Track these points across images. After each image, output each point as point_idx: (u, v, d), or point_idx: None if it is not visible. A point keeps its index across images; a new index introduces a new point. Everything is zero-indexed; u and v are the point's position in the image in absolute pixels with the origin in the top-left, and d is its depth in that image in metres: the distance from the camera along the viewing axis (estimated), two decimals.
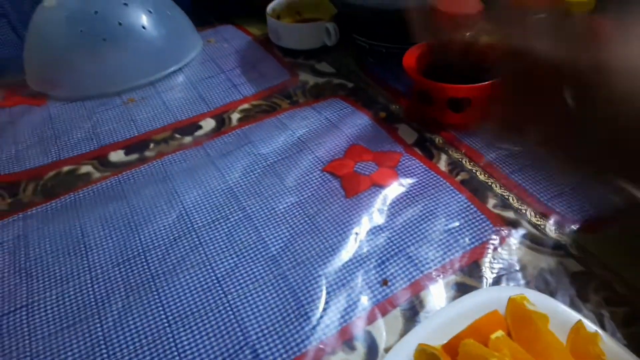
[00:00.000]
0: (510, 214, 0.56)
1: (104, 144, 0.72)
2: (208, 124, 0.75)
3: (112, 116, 0.78)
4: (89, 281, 0.52)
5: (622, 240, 0.51)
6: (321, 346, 0.44)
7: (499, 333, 0.39)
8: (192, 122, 0.76)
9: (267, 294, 0.49)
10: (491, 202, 0.57)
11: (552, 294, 0.46)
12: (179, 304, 0.49)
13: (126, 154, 0.70)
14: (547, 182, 0.59)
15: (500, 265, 0.50)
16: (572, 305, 0.45)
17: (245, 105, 0.78)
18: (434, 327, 0.43)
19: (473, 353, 0.37)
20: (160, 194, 0.62)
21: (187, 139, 0.72)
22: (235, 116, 0.76)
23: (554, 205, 0.56)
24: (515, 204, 0.57)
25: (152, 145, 0.72)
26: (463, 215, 0.56)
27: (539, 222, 0.54)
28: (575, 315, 0.42)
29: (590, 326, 0.40)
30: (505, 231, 0.53)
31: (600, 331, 0.40)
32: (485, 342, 0.39)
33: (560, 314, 0.42)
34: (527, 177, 0.60)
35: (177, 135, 0.73)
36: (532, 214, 0.55)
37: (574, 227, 0.53)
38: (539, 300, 0.43)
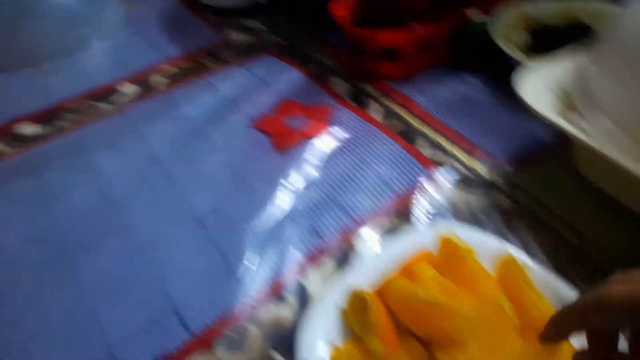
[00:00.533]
0: (442, 157, 0.55)
1: (13, 117, 0.66)
2: (130, 89, 0.70)
3: (22, 87, 0.72)
4: None
5: (549, 175, 0.52)
6: (251, 302, 0.43)
7: (429, 272, 0.38)
8: (112, 88, 0.71)
9: (193, 257, 0.47)
10: (424, 147, 0.56)
11: (483, 229, 0.46)
12: (98, 277, 0.46)
13: (39, 126, 0.65)
14: (478, 124, 0.59)
15: (432, 206, 0.49)
16: (502, 238, 0.44)
17: (171, 68, 0.74)
18: (364, 271, 0.42)
19: (403, 290, 0.36)
20: (77, 165, 0.58)
21: (107, 107, 0.67)
22: (159, 80, 0.72)
23: (484, 146, 0.56)
24: (447, 147, 0.56)
25: (67, 115, 0.66)
26: (396, 161, 0.55)
27: (469, 163, 0.54)
28: (502, 246, 0.41)
29: (518, 257, 0.40)
30: (437, 173, 0.53)
31: (527, 260, 0.40)
32: (416, 281, 0.38)
33: (489, 246, 0.42)
34: (459, 121, 0.59)
35: (95, 103, 0.68)
36: (463, 155, 0.55)
37: (504, 165, 0.53)
38: (468, 235, 0.42)
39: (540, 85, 0.48)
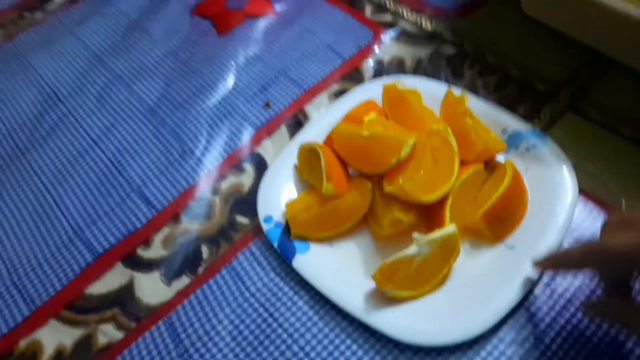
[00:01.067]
0: (387, 17, 0.54)
1: None
2: None
3: None
4: None
5: (493, 18, 0.51)
6: (210, 175, 0.44)
7: (372, 115, 0.39)
8: None
9: (148, 142, 0.47)
10: (368, 10, 0.55)
11: (430, 77, 0.46)
12: (55, 171, 0.46)
13: None
14: None
15: (379, 65, 0.49)
16: (449, 84, 0.45)
17: None
18: (315, 130, 0.43)
19: (345, 133, 0.37)
20: (15, 72, 0.56)
21: (38, 15, 0.64)
22: None
23: (428, 0, 0.54)
24: (391, 6, 0.55)
25: None
26: (341, 27, 0.54)
27: (414, 19, 0.53)
28: (446, 87, 0.42)
29: (458, 90, 0.41)
30: (383, 33, 0.52)
31: (467, 93, 0.41)
32: (360, 124, 0.39)
33: (434, 90, 0.43)
34: None
35: (26, 14, 0.64)
36: (408, 12, 0.54)
37: (450, 15, 0.52)
38: (414, 82, 0.43)
39: None
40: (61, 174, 0.46)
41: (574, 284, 0.33)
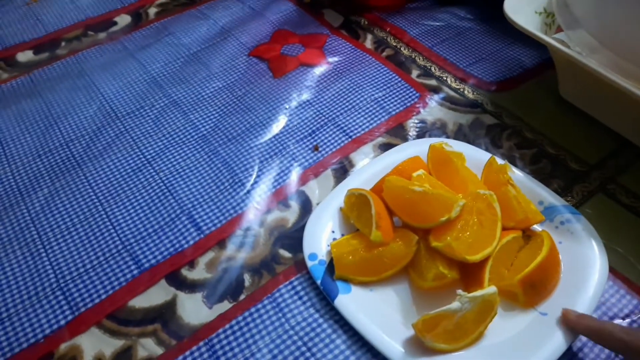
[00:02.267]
0: (432, 82, 0.58)
1: (9, 46, 0.67)
2: (123, 19, 0.70)
3: (15, 18, 0.71)
4: (9, 173, 0.50)
5: (530, 96, 0.55)
6: (257, 206, 0.46)
7: (420, 171, 0.42)
8: (106, 18, 0.71)
9: (200, 168, 0.49)
10: (415, 73, 0.59)
11: (470, 143, 0.49)
12: (108, 185, 0.48)
13: (35, 53, 0.65)
14: (466, 51, 0.61)
15: (423, 125, 0.53)
16: (488, 151, 0.48)
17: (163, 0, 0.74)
18: (362, 178, 0.45)
19: (397, 185, 0.40)
20: (78, 87, 0.59)
21: (102, 35, 0.68)
22: (152, 10, 0.72)
23: (471, 70, 0.59)
24: (437, 73, 0.59)
25: (63, 43, 0.67)
26: (388, 85, 0.57)
27: (458, 86, 0.57)
28: (488, 155, 0.45)
29: (500, 159, 0.44)
30: (428, 96, 0.56)
31: (510, 165, 0.44)
32: (408, 178, 0.42)
33: (476, 155, 0.46)
34: (448, 49, 0.62)
35: (90, 32, 0.68)
36: (452, 79, 0.58)
37: (490, 88, 0.56)
38: (457, 146, 0.46)
39: (526, 8, 0.51)
40: (114, 188, 0.48)
41: (600, 356, 0.35)
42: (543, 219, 0.40)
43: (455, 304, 0.34)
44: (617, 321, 0.37)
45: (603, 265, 0.38)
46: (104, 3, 0.73)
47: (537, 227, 0.41)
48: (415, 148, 0.47)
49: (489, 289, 0.34)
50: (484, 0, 0.63)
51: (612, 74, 0.42)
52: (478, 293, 0.34)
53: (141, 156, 0.51)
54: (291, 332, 0.37)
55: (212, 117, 0.55)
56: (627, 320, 0.37)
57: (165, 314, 0.39)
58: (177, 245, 0.43)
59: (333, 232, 0.42)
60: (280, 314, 0.38)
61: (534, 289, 0.37)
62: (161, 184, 0.48)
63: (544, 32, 0.51)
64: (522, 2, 0.51)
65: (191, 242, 0.43)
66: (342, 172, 0.49)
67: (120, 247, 0.43)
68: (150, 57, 0.63)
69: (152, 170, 0.49)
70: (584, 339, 0.36)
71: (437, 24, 0.66)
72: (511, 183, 0.42)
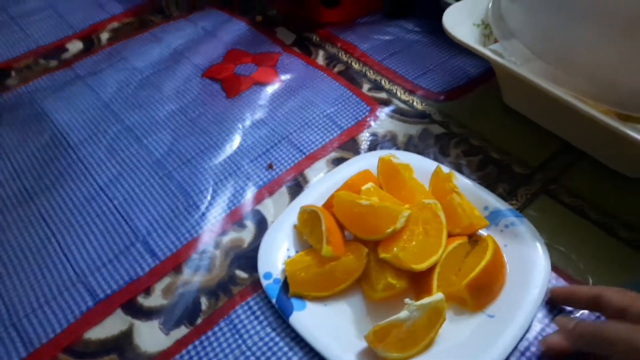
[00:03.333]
0: (382, 95, 0.59)
1: None
2: (75, 46, 0.70)
3: None
4: None
5: (476, 104, 0.57)
6: (212, 229, 0.46)
7: (369, 184, 0.43)
8: (57, 45, 0.70)
9: (155, 193, 0.49)
10: (365, 87, 0.61)
11: (419, 154, 0.51)
12: (61, 216, 0.48)
13: None
14: (414, 64, 0.63)
15: (374, 138, 0.54)
16: (436, 160, 0.50)
17: (115, 24, 0.74)
18: (314, 194, 0.46)
19: (345, 200, 0.41)
20: (28, 118, 0.58)
21: (53, 63, 0.67)
22: (104, 35, 0.72)
23: (420, 82, 0.61)
24: (387, 86, 0.61)
25: (13, 73, 0.66)
26: (340, 100, 0.59)
27: (407, 98, 0.59)
28: (435, 164, 0.47)
29: (446, 168, 0.46)
30: (378, 109, 0.57)
31: (457, 174, 0.45)
32: (357, 193, 0.43)
33: (424, 165, 0.47)
34: (397, 62, 0.64)
35: (42, 60, 0.68)
36: (402, 91, 0.60)
37: (437, 98, 0.58)
38: (405, 157, 0.47)
39: (465, 21, 0.53)
40: (67, 219, 0.47)
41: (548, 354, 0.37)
42: (487, 224, 0.42)
43: (403, 313, 0.35)
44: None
45: (546, 265, 0.40)
46: (54, 30, 0.73)
47: (483, 232, 0.43)
48: (366, 161, 0.48)
49: (436, 296, 0.36)
50: (430, 13, 0.65)
51: (545, 82, 0.44)
52: (425, 301, 0.35)
53: (95, 184, 0.51)
54: (248, 353, 0.38)
55: (166, 140, 0.55)
56: (572, 315, 0.39)
57: (121, 344, 0.39)
58: (133, 273, 0.43)
59: (288, 249, 0.43)
60: (237, 335, 0.39)
61: (480, 293, 0.38)
62: (115, 212, 0.48)
63: (483, 44, 0.53)
64: (462, 15, 0.54)
65: (146, 269, 0.43)
66: (297, 188, 0.49)
67: (74, 278, 0.43)
68: (103, 83, 0.63)
69: (105, 199, 0.49)
70: (530, 337, 0.37)
71: (387, 37, 0.68)
72: (456, 191, 0.43)
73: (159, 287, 0.42)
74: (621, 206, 0.46)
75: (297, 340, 0.38)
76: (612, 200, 0.46)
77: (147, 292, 0.42)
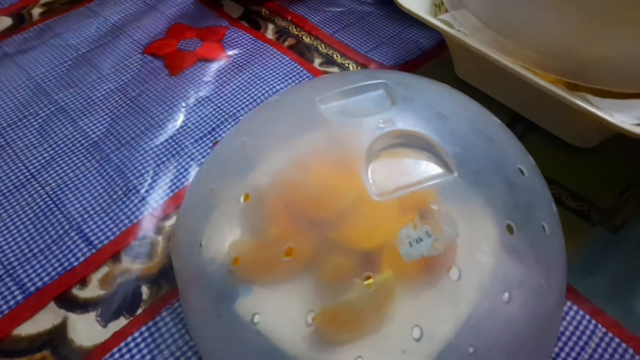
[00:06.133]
0: (334, 69, 0.57)
1: None
2: (3, 22, 0.65)
3: None
4: None
5: (429, 77, 0.56)
6: (153, 214, 0.43)
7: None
8: None
9: (91, 178, 0.46)
10: (317, 62, 0.58)
11: None
12: None
13: None
14: (367, 36, 0.61)
15: None
16: None
17: None
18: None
19: (296, 179, 0.39)
20: None
21: None
22: (36, 11, 0.66)
23: (372, 56, 0.59)
24: (339, 60, 0.59)
25: None
26: (290, 76, 0.56)
27: None
28: None
29: None
30: None
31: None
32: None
33: None
34: (349, 35, 0.62)
35: None
36: (354, 65, 0.58)
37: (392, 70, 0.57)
38: None
39: None
40: None
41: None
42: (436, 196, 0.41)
43: (352, 293, 0.34)
44: None
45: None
46: None
47: (434, 207, 0.42)
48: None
49: (384, 274, 0.34)
50: None
51: (493, 52, 0.43)
52: (374, 280, 0.34)
53: (24, 170, 0.47)
54: (192, 343, 0.36)
55: (103, 122, 0.51)
56: None
57: (54, 339, 0.36)
58: (67, 264, 0.40)
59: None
60: (180, 325, 0.37)
61: None
62: (47, 199, 0.44)
63: (434, 14, 0.52)
64: None
65: (82, 259, 0.41)
66: None
67: (1, 271, 0.40)
68: (34, 62, 0.58)
69: (36, 185, 0.45)
70: None
71: (339, 9, 0.66)
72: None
73: (95, 277, 0.40)
74: (570, 177, 0.46)
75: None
76: (561, 170, 0.46)
77: (83, 283, 0.39)
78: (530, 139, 0.49)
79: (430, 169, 0.35)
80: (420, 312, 0.36)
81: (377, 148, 0.35)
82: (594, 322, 0.37)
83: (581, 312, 0.37)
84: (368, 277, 0.34)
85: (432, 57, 0.58)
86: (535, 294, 0.33)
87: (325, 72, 0.57)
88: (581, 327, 0.36)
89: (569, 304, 0.38)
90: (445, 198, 0.36)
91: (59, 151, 0.48)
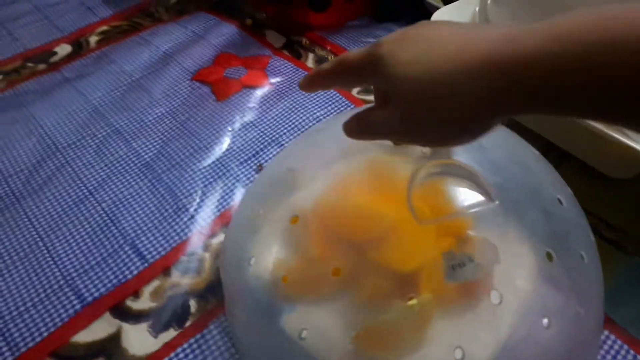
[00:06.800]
0: (371, 97, 0.60)
1: None
2: (63, 49, 0.70)
3: None
4: None
5: None
6: (201, 231, 0.46)
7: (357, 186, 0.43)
8: (45, 49, 0.70)
9: (144, 196, 0.49)
10: (355, 90, 0.61)
11: None
12: (49, 219, 0.47)
13: None
14: None
15: None
16: None
17: (104, 27, 0.74)
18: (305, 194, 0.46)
19: (334, 203, 0.41)
20: (16, 120, 0.58)
21: (41, 66, 0.67)
22: (93, 39, 0.71)
23: None
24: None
25: (0, 76, 0.65)
26: (330, 103, 0.59)
27: None
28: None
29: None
30: None
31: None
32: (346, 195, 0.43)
33: None
34: None
35: (29, 64, 0.67)
36: None
37: None
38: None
39: (454, 20, 0.54)
40: (55, 222, 0.47)
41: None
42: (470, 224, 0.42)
43: (391, 314, 0.35)
44: None
45: None
46: (43, 34, 0.72)
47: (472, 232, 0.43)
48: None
49: (423, 297, 0.36)
50: (418, 17, 0.65)
51: None
52: (413, 301, 0.35)
53: (83, 187, 0.50)
54: (237, 356, 0.38)
55: (155, 143, 0.55)
56: None
57: (109, 347, 0.39)
58: (121, 277, 0.43)
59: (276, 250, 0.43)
60: (226, 338, 0.39)
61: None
62: (103, 215, 0.48)
63: None
64: (451, 15, 0.54)
65: (135, 272, 0.43)
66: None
67: (62, 282, 0.43)
68: (91, 86, 0.62)
69: (94, 202, 0.49)
70: None
71: (375, 40, 0.68)
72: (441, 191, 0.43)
73: (147, 290, 0.42)
74: (605, 207, 0.46)
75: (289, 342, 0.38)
76: (596, 201, 0.47)
77: (136, 295, 0.42)
78: (564, 169, 0.50)
79: (471, 197, 0.36)
80: (462, 333, 0.37)
81: (420, 175, 0.37)
82: (632, 352, 0.37)
83: (619, 342, 0.38)
84: (411, 298, 0.36)
85: None
86: (573, 321, 0.34)
87: (364, 100, 0.59)
88: (619, 357, 0.37)
89: (605, 332, 0.38)
90: (485, 225, 0.38)
91: (114, 170, 0.52)
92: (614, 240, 0.44)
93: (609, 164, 0.48)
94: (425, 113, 0.25)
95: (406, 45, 0.26)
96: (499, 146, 0.40)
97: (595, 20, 0.20)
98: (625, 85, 0.19)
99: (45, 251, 0.45)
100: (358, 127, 0.32)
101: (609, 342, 0.38)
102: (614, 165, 0.47)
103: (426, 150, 0.39)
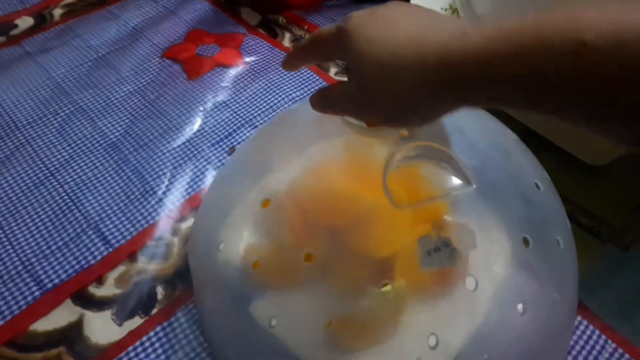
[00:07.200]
0: None
1: None
2: (25, 22, 0.66)
3: None
4: None
5: None
6: (170, 215, 0.44)
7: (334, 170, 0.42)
8: (5, 20, 0.66)
9: (109, 178, 0.47)
10: (332, 71, 0.59)
11: None
12: (7, 201, 0.45)
13: None
14: None
15: None
16: None
17: (69, 0, 0.70)
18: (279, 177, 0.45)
19: (312, 187, 0.40)
20: None
21: (0, 39, 0.63)
22: (57, 12, 0.68)
23: None
24: None
25: None
26: (306, 84, 0.57)
27: None
28: None
29: None
30: None
31: None
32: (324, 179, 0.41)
33: None
34: None
35: None
36: None
37: None
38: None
39: (433, 6, 0.52)
40: (13, 204, 0.45)
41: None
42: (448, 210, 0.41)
43: (366, 300, 0.34)
44: None
45: None
46: (3, 4, 0.68)
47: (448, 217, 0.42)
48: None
49: (398, 282, 0.35)
50: None
51: None
52: (388, 287, 0.35)
53: (43, 168, 0.48)
54: (205, 345, 0.36)
55: (122, 123, 0.52)
56: None
57: (70, 336, 0.37)
58: (84, 262, 0.41)
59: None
60: (194, 326, 0.37)
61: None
62: (66, 197, 0.45)
63: None
64: (430, 1, 0.53)
65: (99, 257, 0.41)
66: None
67: (20, 267, 0.40)
68: (54, 61, 0.59)
69: (55, 183, 0.46)
70: None
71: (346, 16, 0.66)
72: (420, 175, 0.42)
73: (111, 276, 0.40)
74: (581, 194, 0.46)
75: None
76: (573, 188, 0.47)
77: (99, 281, 0.40)
78: (542, 156, 0.49)
79: (448, 181, 0.35)
80: (437, 320, 0.36)
81: (396, 159, 0.36)
82: (604, 337, 0.37)
83: (591, 327, 0.38)
84: (385, 284, 0.35)
85: None
86: (548, 307, 0.34)
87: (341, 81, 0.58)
88: (591, 342, 0.37)
89: (579, 318, 0.38)
90: (462, 210, 0.37)
91: (78, 150, 0.49)
92: (590, 227, 0.44)
93: (585, 150, 0.48)
94: (376, 89, 0.26)
95: (373, 23, 0.27)
96: (477, 130, 0.39)
97: (536, 22, 0.21)
98: (556, 81, 0.20)
99: (2, 235, 0.42)
100: (320, 99, 0.32)
101: (582, 327, 0.38)
102: (591, 152, 0.47)
103: (402, 132, 0.37)
